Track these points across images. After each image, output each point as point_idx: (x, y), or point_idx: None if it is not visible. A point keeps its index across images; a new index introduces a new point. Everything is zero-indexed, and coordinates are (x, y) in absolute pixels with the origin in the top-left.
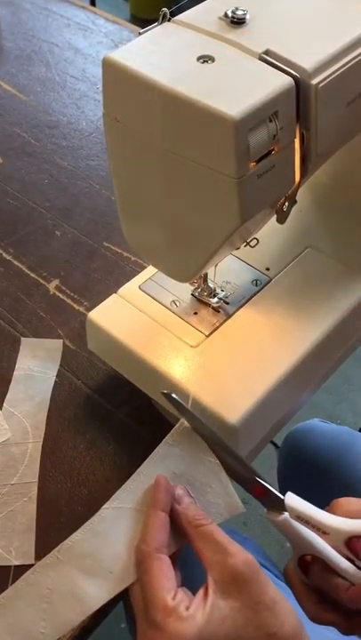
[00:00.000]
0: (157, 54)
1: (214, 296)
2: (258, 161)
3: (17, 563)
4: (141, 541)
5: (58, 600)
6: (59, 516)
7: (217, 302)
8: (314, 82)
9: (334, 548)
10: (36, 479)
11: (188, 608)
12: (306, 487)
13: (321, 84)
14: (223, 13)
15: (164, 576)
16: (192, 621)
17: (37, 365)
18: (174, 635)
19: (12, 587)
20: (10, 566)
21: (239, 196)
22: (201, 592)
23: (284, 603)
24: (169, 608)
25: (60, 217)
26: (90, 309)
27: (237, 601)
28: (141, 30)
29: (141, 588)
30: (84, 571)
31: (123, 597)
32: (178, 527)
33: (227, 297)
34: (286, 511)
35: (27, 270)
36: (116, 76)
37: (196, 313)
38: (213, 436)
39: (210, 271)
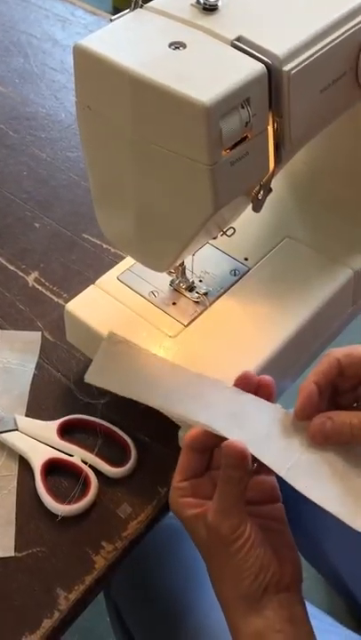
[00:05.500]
0: (128, 40)
1: (192, 290)
2: (231, 148)
3: None
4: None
5: None
6: (39, 509)
7: (197, 298)
8: (286, 68)
9: None
10: (16, 472)
11: (184, 497)
12: None
13: (293, 71)
14: (195, 0)
15: (186, 462)
16: (183, 499)
17: (16, 358)
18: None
19: None
20: None
21: (212, 183)
22: (205, 505)
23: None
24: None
25: (38, 209)
26: (69, 301)
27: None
28: (113, 17)
29: None
30: None
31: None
32: None
33: (205, 292)
34: None
35: (5, 262)
36: (87, 62)
37: (174, 303)
38: None
39: (187, 261)
